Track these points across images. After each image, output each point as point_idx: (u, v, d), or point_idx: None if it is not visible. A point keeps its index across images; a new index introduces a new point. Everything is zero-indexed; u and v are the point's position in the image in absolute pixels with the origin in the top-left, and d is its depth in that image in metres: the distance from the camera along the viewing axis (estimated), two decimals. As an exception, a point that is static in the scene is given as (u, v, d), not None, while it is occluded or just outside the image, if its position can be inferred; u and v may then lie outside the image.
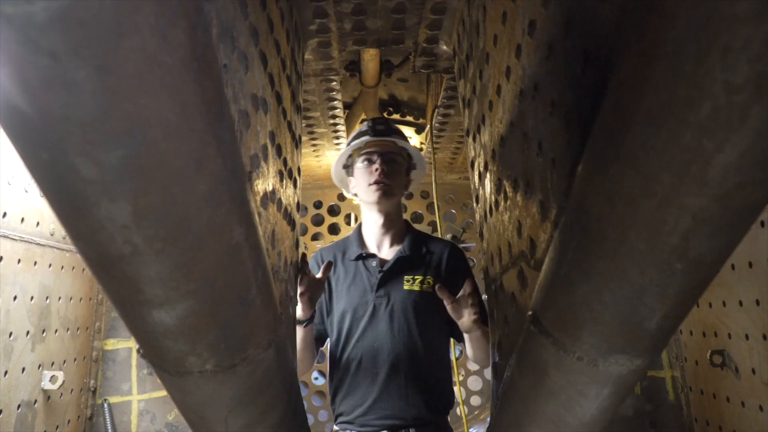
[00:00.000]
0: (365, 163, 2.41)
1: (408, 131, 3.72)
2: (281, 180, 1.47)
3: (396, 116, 3.53)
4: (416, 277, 2.34)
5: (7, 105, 0.55)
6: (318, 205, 4.14)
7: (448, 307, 2.07)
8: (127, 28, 0.51)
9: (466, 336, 2.17)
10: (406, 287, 2.32)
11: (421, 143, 3.83)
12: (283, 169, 1.51)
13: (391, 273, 2.35)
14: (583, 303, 0.89)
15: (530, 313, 1.07)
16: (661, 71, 0.60)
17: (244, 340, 0.94)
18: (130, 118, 0.57)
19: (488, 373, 3.68)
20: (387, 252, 2.44)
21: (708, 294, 2.34)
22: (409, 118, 3.63)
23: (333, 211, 4.19)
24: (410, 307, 2.29)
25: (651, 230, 0.73)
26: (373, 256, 2.41)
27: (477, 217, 1.86)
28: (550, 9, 1.06)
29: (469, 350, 2.22)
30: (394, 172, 2.41)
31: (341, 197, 4.14)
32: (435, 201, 3.21)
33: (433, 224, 4.05)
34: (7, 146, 2.06)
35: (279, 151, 1.45)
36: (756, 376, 2.09)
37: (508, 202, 1.40)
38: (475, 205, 1.89)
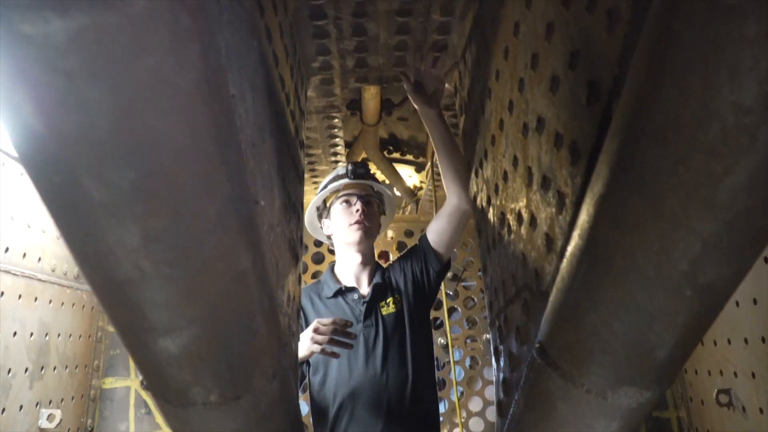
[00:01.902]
0: (344, 204, 2.49)
1: (408, 170, 3.74)
2: (285, 213, 1.47)
3: (396, 155, 3.56)
4: (387, 300, 2.46)
5: (22, 126, 0.55)
6: (318, 243, 4.14)
7: (411, 89, 2.19)
8: (141, 48, 0.52)
9: (432, 135, 2.29)
10: (384, 312, 2.42)
11: (421, 182, 3.85)
12: (287, 202, 1.52)
13: (372, 301, 2.44)
14: (592, 332, 0.88)
15: (537, 344, 1.06)
16: (667, 92, 0.61)
17: (248, 370, 0.93)
18: (141, 138, 0.57)
19: (490, 413, 3.63)
20: (365, 288, 2.51)
21: (713, 332, 2.33)
22: (409, 157, 3.66)
23: (333, 250, 4.18)
24: (397, 329, 2.40)
25: (660, 255, 0.72)
26: (353, 289, 2.48)
27: (479, 251, 1.86)
28: (554, 42, 1.07)
29: (439, 158, 2.32)
30: (372, 214, 2.52)
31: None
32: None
33: (433, 262, 4.03)
34: (9, 181, 2.06)
35: (283, 183, 1.45)
36: (764, 415, 2.07)
37: (512, 236, 1.40)
38: (477, 239, 1.89)
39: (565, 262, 0.93)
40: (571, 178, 0.98)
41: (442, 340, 3.68)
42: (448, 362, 3.59)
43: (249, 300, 0.85)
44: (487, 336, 3.82)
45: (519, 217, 1.31)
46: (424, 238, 2.54)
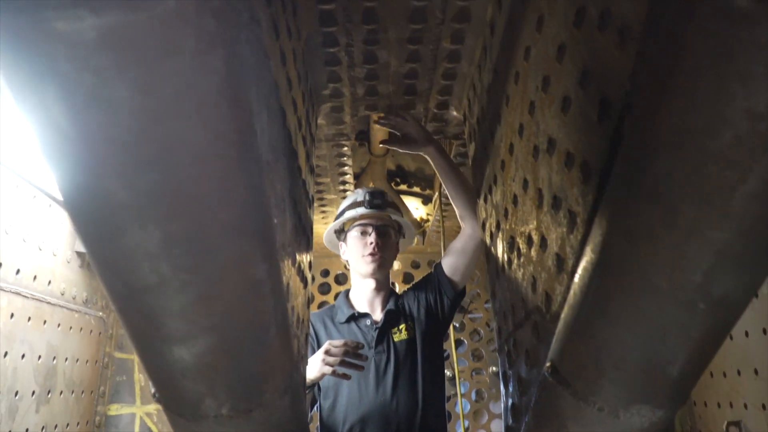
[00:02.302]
0: (360, 234, 2.51)
1: (415, 202, 3.75)
2: (296, 235, 1.48)
3: (403, 187, 3.57)
4: (400, 326, 2.46)
5: (51, 125, 0.57)
6: (325, 273, 4.14)
7: (398, 145, 2.38)
8: (168, 49, 0.53)
9: (437, 169, 2.39)
10: (396, 339, 2.43)
11: (428, 214, 3.86)
12: (298, 224, 1.52)
13: (385, 327, 2.45)
14: (604, 347, 0.88)
15: (548, 363, 1.05)
16: (680, 100, 0.62)
17: (261, 383, 0.93)
18: (166, 140, 0.59)
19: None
20: (379, 314, 2.52)
21: (722, 363, 2.31)
22: (416, 189, 3.67)
23: (340, 280, 4.19)
24: (408, 355, 2.40)
25: (673, 267, 0.73)
26: (366, 315, 2.49)
27: (488, 277, 1.86)
28: (565, 63, 1.08)
29: (448, 190, 2.40)
30: (387, 244, 2.54)
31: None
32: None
33: (440, 294, 4.03)
34: (23, 204, 2.08)
35: (294, 206, 1.46)
36: (774, 446, 2.04)
37: (522, 259, 1.40)
38: (486, 265, 1.89)
39: (577, 277, 0.93)
40: (583, 196, 0.98)
41: (449, 373, 3.65)
42: (455, 395, 3.56)
43: (263, 311, 0.85)
44: (494, 369, 3.80)
45: (529, 240, 1.32)
46: (438, 267, 2.55)
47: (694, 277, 0.72)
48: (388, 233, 2.58)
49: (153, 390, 0.95)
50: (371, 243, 2.49)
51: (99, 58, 0.51)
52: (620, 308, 0.83)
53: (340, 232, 2.66)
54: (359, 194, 2.62)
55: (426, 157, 2.40)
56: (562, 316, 1.00)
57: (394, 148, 2.45)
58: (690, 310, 0.76)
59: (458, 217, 2.42)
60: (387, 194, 2.69)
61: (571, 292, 0.96)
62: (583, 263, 0.92)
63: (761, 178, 0.61)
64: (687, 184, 0.65)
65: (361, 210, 2.55)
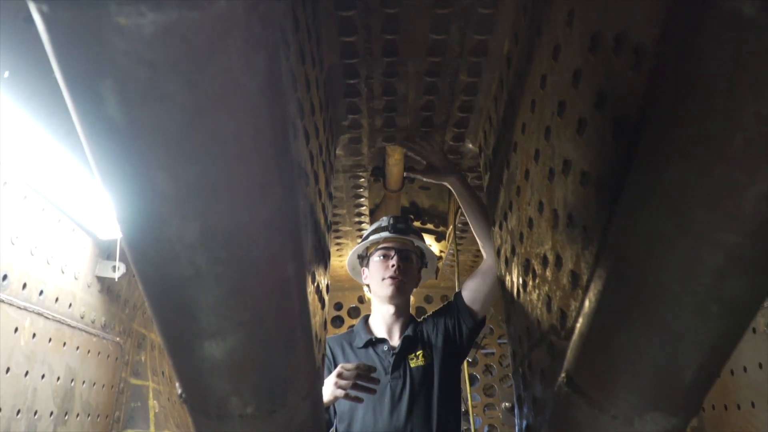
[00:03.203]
0: (382, 258, 2.53)
1: (428, 239, 3.78)
2: (316, 255, 1.51)
3: (417, 224, 3.61)
4: (417, 353, 2.47)
5: (103, 117, 0.61)
6: (338, 307, 4.16)
7: (421, 174, 2.43)
8: (218, 47, 0.58)
9: (459, 199, 2.43)
10: (413, 365, 2.43)
11: (441, 251, 3.89)
12: (318, 245, 1.56)
13: (402, 353, 2.46)
14: (619, 355, 0.90)
15: (563, 375, 1.07)
16: (694, 107, 0.66)
17: (285, 385, 0.96)
18: (210, 134, 0.63)
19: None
20: (396, 340, 2.53)
21: (735, 395, 2.30)
22: (430, 226, 3.71)
23: (352, 313, 4.20)
24: (424, 382, 2.40)
25: (686, 270, 0.76)
26: (384, 341, 2.49)
27: (503, 303, 1.88)
28: (580, 87, 1.13)
29: (470, 220, 2.43)
30: (409, 269, 2.55)
31: (361, 299, 4.16)
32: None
33: (452, 329, 4.04)
34: (48, 228, 2.14)
35: (315, 226, 1.50)
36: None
37: (537, 280, 1.43)
38: (501, 291, 1.91)
39: (592, 287, 0.96)
40: (598, 211, 1.02)
41: (462, 408, 3.64)
42: (468, 430, 3.54)
43: (291, 311, 0.88)
44: (506, 404, 3.78)
45: (544, 260, 1.35)
46: (458, 296, 2.57)
47: (706, 279, 0.75)
48: (409, 258, 2.60)
49: (180, 390, 0.97)
50: (393, 266, 2.51)
51: (155, 53, 0.56)
52: (635, 314, 0.85)
53: (363, 258, 2.68)
54: (384, 220, 2.66)
55: (449, 186, 2.44)
56: (577, 326, 1.03)
57: (417, 177, 2.49)
58: (703, 313, 0.79)
59: (480, 247, 2.44)
60: (411, 221, 2.72)
61: (586, 302, 0.99)
62: (597, 273, 0.95)
63: (769, 179, 0.64)
64: (699, 188, 0.69)
65: (385, 234, 2.58)
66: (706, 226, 0.71)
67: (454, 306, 2.58)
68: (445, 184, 2.44)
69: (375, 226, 2.69)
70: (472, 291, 2.52)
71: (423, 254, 2.70)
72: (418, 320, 2.66)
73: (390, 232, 2.57)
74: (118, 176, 0.66)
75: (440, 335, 2.51)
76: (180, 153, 0.63)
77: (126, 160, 0.64)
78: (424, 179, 2.47)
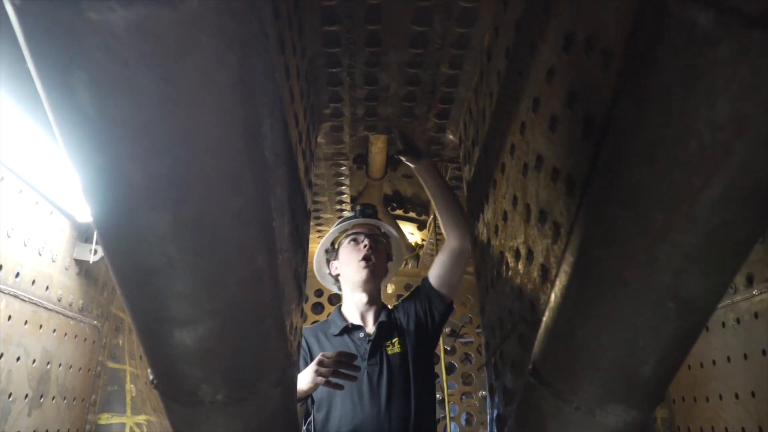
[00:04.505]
0: (352, 243, 2.55)
1: (410, 227, 3.81)
2: (293, 243, 1.53)
3: (399, 212, 3.63)
4: (393, 340, 2.51)
5: (75, 109, 0.62)
6: (318, 293, 4.18)
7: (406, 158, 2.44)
8: (191, 44, 0.59)
9: (427, 182, 2.49)
10: (389, 352, 2.47)
11: (422, 239, 3.91)
12: (295, 233, 1.58)
13: (378, 340, 2.49)
14: (582, 348, 0.93)
15: (530, 366, 1.10)
16: (652, 113, 0.68)
17: (256, 372, 0.98)
18: (181, 127, 0.64)
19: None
20: (371, 327, 2.56)
21: (704, 388, 2.36)
22: (412, 215, 3.73)
23: (332, 301, 4.22)
24: (401, 369, 2.44)
25: (645, 269, 0.78)
26: (359, 327, 2.51)
27: (478, 293, 1.91)
28: (554, 84, 1.15)
29: (435, 203, 2.50)
30: (379, 252, 2.56)
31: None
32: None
33: (431, 317, 4.07)
34: (25, 210, 2.13)
35: (293, 214, 1.52)
36: (754, 471, 2.08)
37: (510, 273, 1.45)
38: (477, 282, 1.94)
39: (557, 281, 0.98)
40: (567, 208, 1.04)
41: (438, 395, 3.68)
42: (444, 417, 3.58)
43: (262, 300, 0.90)
44: (483, 393, 3.82)
45: (517, 254, 1.37)
46: (425, 281, 2.60)
47: (664, 278, 0.78)
48: (379, 241, 2.64)
49: (151, 377, 0.99)
50: (365, 246, 2.55)
51: (126, 48, 0.57)
52: (597, 310, 0.88)
53: (331, 252, 2.71)
54: (351, 212, 2.71)
55: (418, 173, 2.49)
56: (544, 319, 1.05)
57: (399, 157, 2.52)
58: (661, 310, 0.82)
59: (442, 230, 2.49)
60: (377, 208, 2.75)
61: (552, 295, 1.01)
62: (563, 268, 0.97)
63: (722, 184, 0.66)
64: (657, 191, 0.71)
65: (354, 220, 2.63)
66: (663, 227, 0.73)
67: (423, 291, 2.61)
68: (417, 169, 2.48)
69: (340, 220, 2.74)
70: (438, 274, 2.56)
71: (390, 246, 2.75)
72: (390, 308, 2.69)
73: (358, 217, 2.61)
74: (89, 165, 0.68)
75: (412, 322, 2.55)
76: (151, 145, 0.65)
77: (97, 151, 0.66)
78: (404, 159, 2.49)
